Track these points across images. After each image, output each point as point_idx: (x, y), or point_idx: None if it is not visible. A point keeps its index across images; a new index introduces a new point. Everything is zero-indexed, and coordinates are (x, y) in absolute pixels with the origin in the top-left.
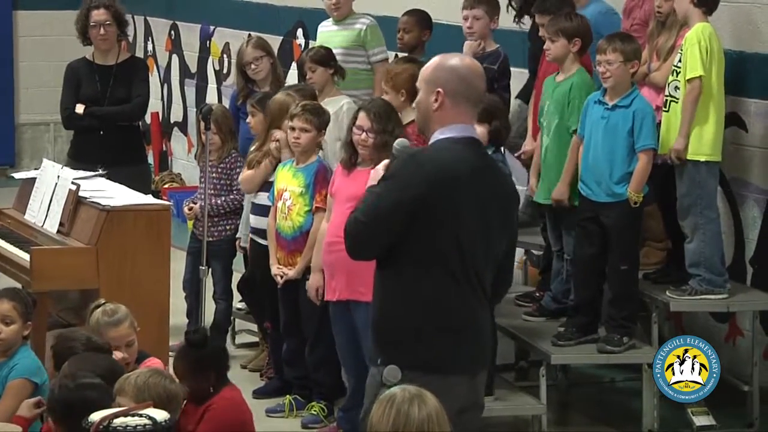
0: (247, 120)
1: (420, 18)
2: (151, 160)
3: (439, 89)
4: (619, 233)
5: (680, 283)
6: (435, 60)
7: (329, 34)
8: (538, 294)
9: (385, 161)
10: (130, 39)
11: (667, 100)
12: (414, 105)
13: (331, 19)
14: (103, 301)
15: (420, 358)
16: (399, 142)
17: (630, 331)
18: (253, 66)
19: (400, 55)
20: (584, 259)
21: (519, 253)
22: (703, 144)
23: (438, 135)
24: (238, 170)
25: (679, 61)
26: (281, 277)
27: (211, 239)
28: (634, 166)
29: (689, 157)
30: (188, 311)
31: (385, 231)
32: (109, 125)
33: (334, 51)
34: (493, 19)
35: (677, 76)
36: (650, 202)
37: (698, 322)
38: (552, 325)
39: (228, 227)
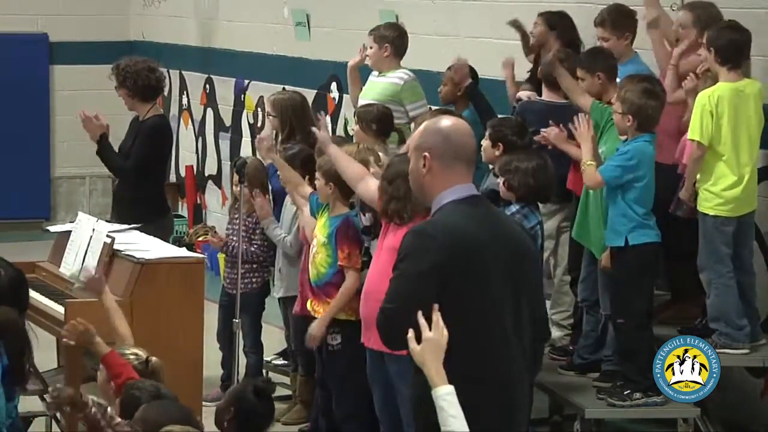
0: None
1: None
2: (185, 212)
3: (426, 153)
4: (613, 284)
5: (708, 338)
6: (421, 125)
7: (372, 84)
8: (571, 347)
9: None
10: (165, 93)
11: None
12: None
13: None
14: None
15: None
16: None
17: (643, 386)
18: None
19: (434, 108)
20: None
21: None
22: (711, 198)
23: (439, 201)
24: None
25: None
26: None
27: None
28: (619, 210)
29: (700, 209)
30: (222, 361)
31: (414, 309)
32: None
33: (370, 101)
34: None
35: None
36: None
37: (733, 377)
38: (583, 380)
39: (255, 280)
